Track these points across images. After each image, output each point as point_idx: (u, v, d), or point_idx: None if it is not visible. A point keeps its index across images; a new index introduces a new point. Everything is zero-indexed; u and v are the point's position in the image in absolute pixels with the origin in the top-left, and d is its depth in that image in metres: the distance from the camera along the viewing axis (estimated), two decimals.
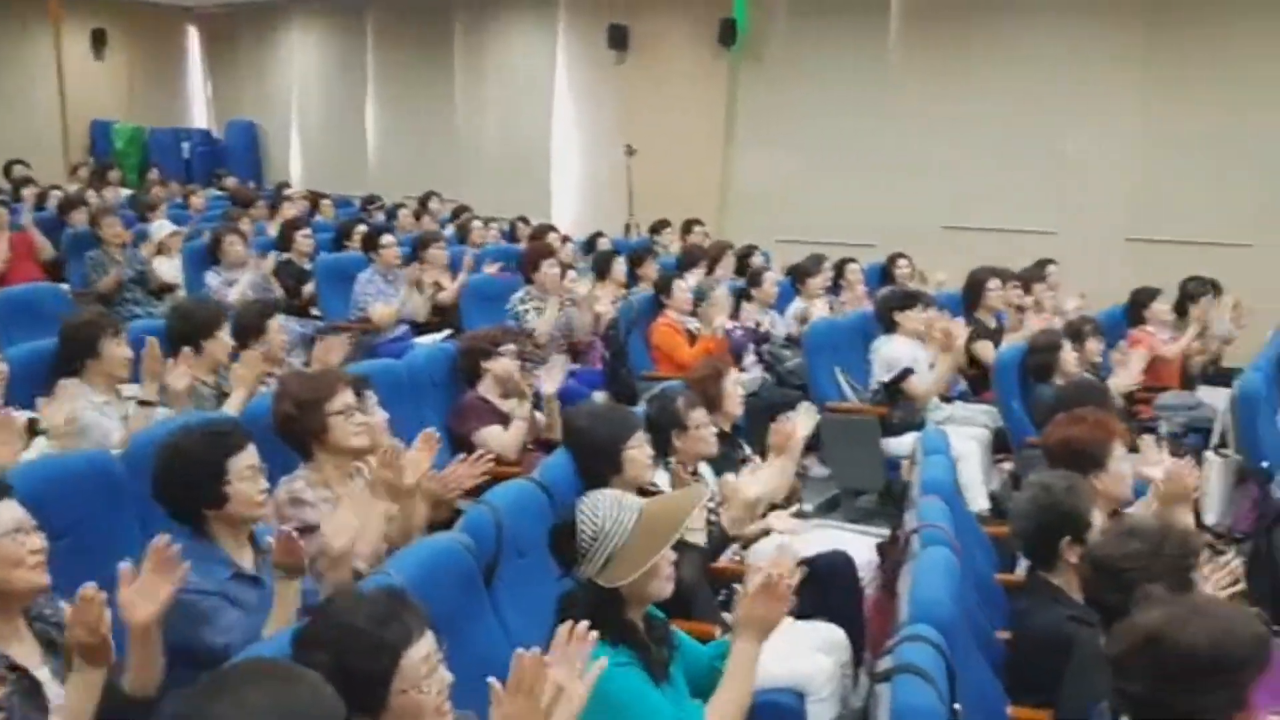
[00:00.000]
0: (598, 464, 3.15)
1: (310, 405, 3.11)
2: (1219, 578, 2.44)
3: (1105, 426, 3.13)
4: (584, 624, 1.89)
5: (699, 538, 3.05)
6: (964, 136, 9.87)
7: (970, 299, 6.56)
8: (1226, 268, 7.64)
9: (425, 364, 4.44)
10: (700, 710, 2.20)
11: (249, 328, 4.42)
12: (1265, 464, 3.81)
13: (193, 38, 15.82)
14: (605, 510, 2.20)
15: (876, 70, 10.29)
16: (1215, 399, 6.07)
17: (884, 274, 7.93)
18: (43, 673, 2.12)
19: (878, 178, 10.24)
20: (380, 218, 9.91)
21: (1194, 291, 6.74)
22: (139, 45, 15.80)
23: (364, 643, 1.76)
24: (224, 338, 4.18)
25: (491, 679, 1.71)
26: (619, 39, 11.25)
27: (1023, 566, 3.57)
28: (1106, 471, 3.04)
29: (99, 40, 15.09)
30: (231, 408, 3.83)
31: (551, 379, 4.56)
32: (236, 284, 6.43)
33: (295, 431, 3.14)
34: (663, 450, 3.48)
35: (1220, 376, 6.78)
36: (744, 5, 10.76)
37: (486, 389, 4.52)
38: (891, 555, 3.21)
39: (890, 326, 5.70)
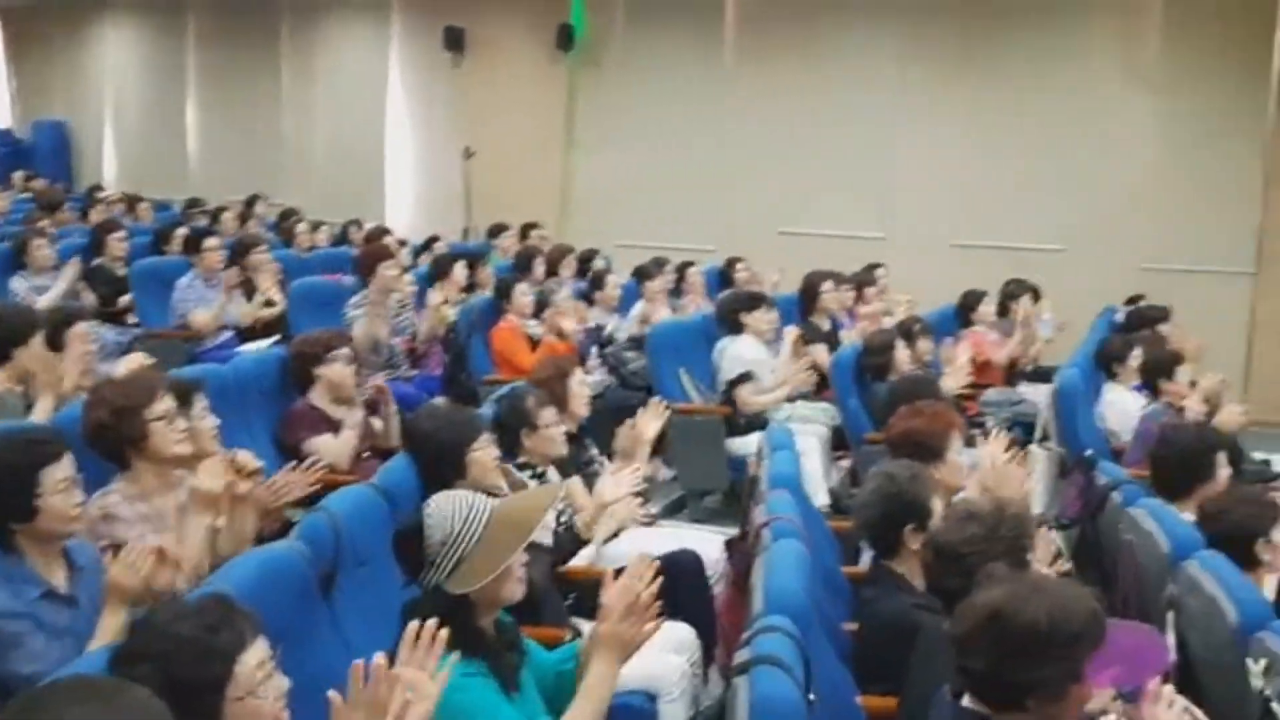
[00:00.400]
0: (441, 468, 3.05)
1: (128, 412, 2.92)
2: (1042, 555, 2.54)
3: (944, 418, 3.22)
4: (432, 622, 1.80)
5: (545, 538, 2.98)
6: (797, 143, 10.10)
7: (806, 301, 6.71)
8: (1043, 271, 8.08)
9: (254, 370, 4.22)
10: None
11: (52, 336, 4.13)
12: (1089, 452, 4.00)
13: None
14: (454, 512, 2.11)
15: (712, 77, 10.43)
16: (1036, 395, 6.40)
17: (723, 277, 8.04)
18: None
19: (715, 183, 10.38)
20: (203, 222, 9.45)
21: (1015, 292, 7.08)
22: None
23: (193, 650, 1.66)
24: (36, 346, 3.88)
25: (331, 692, 1.61)
26: (455, 41, 11.07)
27: (866, 559, 3.65)
28: (945, 462, 3.13)
29: None
30: (39, 417, 3.56)
31: (380, 392, 4.46)
32: (49, 291, 6.02)
33: (111, 440, 2.94)
34: (510, 450, 3.40)
35: (1039, 373, 7.15)
36: (581, 10, 10.75)
37: (318, 396, 4.33)
38: (739, 551, 3.21)
39: (735, 328, 5.76)
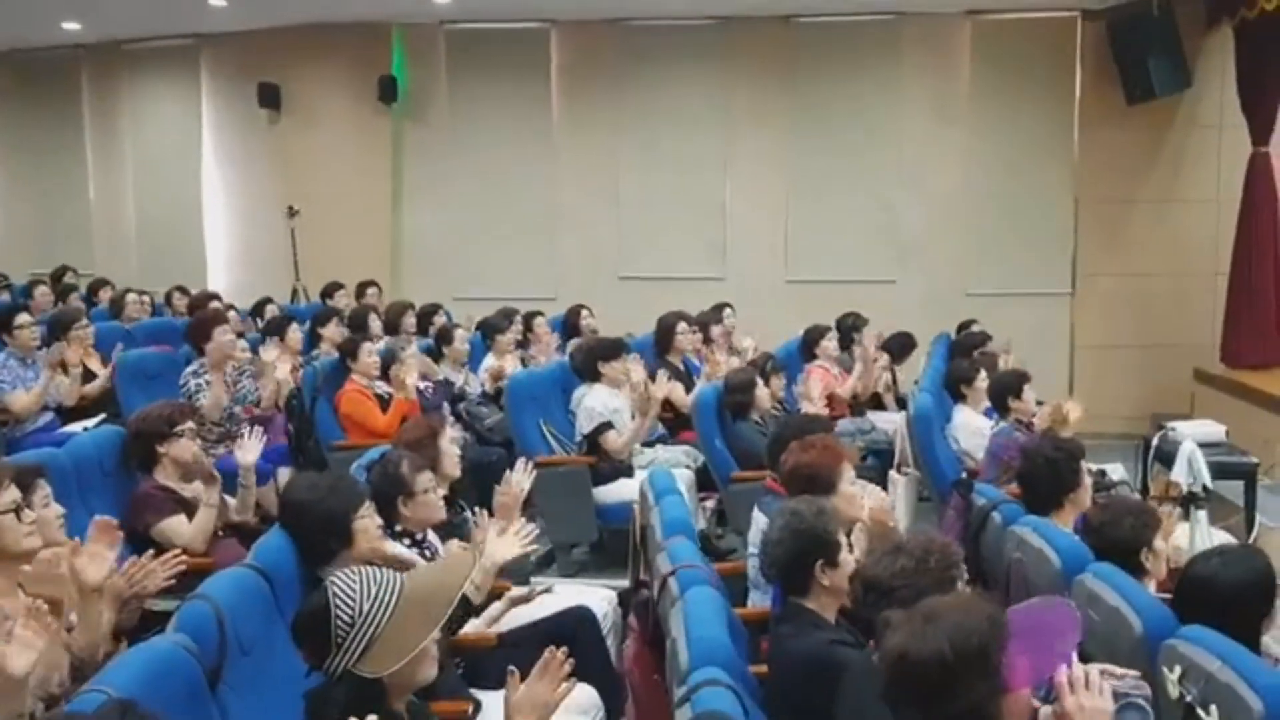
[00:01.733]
0: (324, 539, 2.86)
1: None
2: None
3: (834, 452, 3.24)
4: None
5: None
6: (631, 188, 10.20)
7: (661, 342, 6.73)
8: (876, 302, 8.37)
9: (93, 450, 3.90)
10: None
11: None
12: (963, 475, 4.10)
13: None
14: (362, 591, 1.95)
15: (540, 125, 10.42)
16: (885, 422, 6.59)
17: (567, 326, 7.98)
18: None
19: (550, 231, 10.37)
20: (4, 298, 8.79)
21: (855, 325, 7.30)
22: None
23: None
24: None
25: None
26: (270, 97, 10.70)
27: (754, 599, 3.63)
28: (839, 494, 3.14)
29: None
30: None
31: (250, 451, 4.18)
32: None
33: None
34: (388, 519, 3.23)
35: (877, 402, 7.38)
36: (403, 62, 10.60)
37: (164, 474, 4.05)
38: (639, 602, 3.13)
39: (593, 376, 5.70)
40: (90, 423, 5.74)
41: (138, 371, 6.09)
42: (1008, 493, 3.80)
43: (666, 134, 10.12)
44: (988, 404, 5.42)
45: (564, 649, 2.09)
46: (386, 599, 1.96)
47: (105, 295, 8.36)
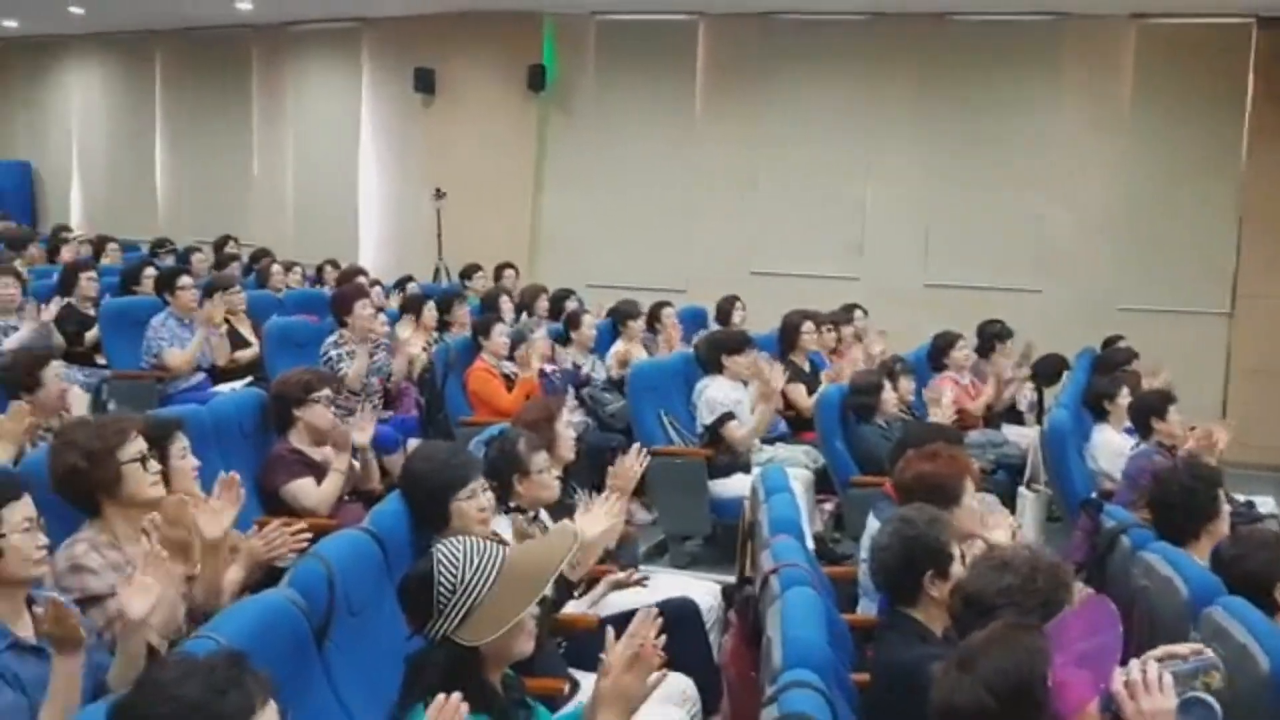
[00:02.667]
0: (435, 508, 2.93)
1: (101, 455, 2.78)
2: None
3: (959, 463, 3.15)
4: (455, 697, 1.67)
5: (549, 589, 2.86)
6: (768, 184, 10.14)
7: (785, 341, 6.66)
8: (1018, 312, 8.09)
9: (233, 411, 4.09)
10: None
11: (23, 378, 3.98)
12: (1094, 495, 3.94)
13: None
14: (466, 559, 1.99)
15: (682, 118, 10.46)
16: (1019, 436, 6.38)
17: (721, 316, 7.91)
18: None
19: (685, 224, 10.39)
20: (170, 262, 9.28)
21: (1000, 334, 7.02)
22: None
23: (201, 715, 1.51)
24: None
25: None
26: (426, 82, 11.02)
27: (863, 606, 3.56)
28: (960, 506, 3.05)
29: None
30: None
31: (364, 430, 4.32)
32: (15, 333, 5.85)
33: (82, 485, 2.79)
34: (502, 495, 3.29)
35: (1014, 415, 7.13)
36: (553, 51, 10.77)
37: (298, 438, 4.21)
38: (741, 598, 3.11)
39: (715, 368, 5.68)
40: (239, 384, 6.02)
41: (286, 339, 6.32)
42: (1141, 518, 3.63)
43: (809, 131, 10.01)
44: (1129, 423, 5.19)
45: (655, 639, 2.08)
46: (488, 569, 1.99)
47: (265, 265, 8.73)
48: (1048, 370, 7.41)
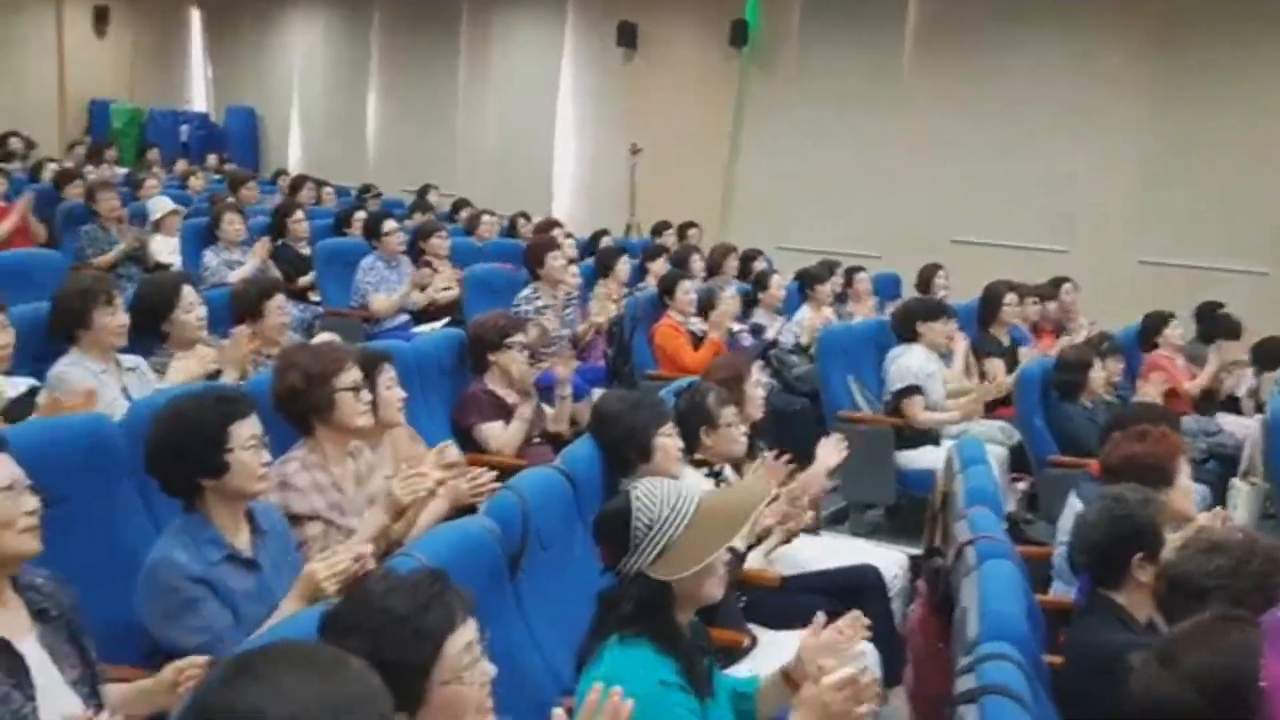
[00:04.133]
0: (626, 451, 2.98)
1: (318, 379, 2.92)
2: None
3: (1170, 441, 2.98)
4: (619, 692, 1.67)
5: (739, 541, 2.86)
6: (973, 151, 9.77)
7: (986, 312, 6.42)
8: (1239, 294, 7.54)
9: (434, 349, 4.26)
10: None
11: (248, 308, 4.23)
12: None
13: (194, 20, 15.57)
14: (663, 498, 2.01)
15: (888, 80, 10.18)
16: (1233, 426, 5.96)
17: (921, 283, 7.69)
18: (28, 644, 1.93)
19: (884, 188, 10.14)
20: (374, 208, 9.69)
21: (1221, 323, 6.56)
22: (141, 25, 15.58)
23: (405, 630, 1.58)
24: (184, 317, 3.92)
25: (558, 710, 1.50)
26: (628, 36, 11.09)
27: (1057, 589, 3.42)
28: (1174, 487, 2.88)
29: (101, 18, 14.87)
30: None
31: (567, 365, 4.43)
32: (241, 266, 6.25)
33: (298, 406, 2.94)
34: (689, 447, 3.30)
35: (1230, 404, 6.66)
36: (756, 7, 10.63)
37: (493, 380, 4.34)
38: (930, 569, 3.03)
39: (910, 336, 5.53)
40: (438, 325, 6.27)
41: (484, 285, 6.53)
42: None
43: (1019, 96, 9.59)
44: None
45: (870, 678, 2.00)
46: (684, 508, 2.01)
47: (473, 214, 9.01)
48: (1269, 355, 6.88)
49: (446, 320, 6.34)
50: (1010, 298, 6.40)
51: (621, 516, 2.01)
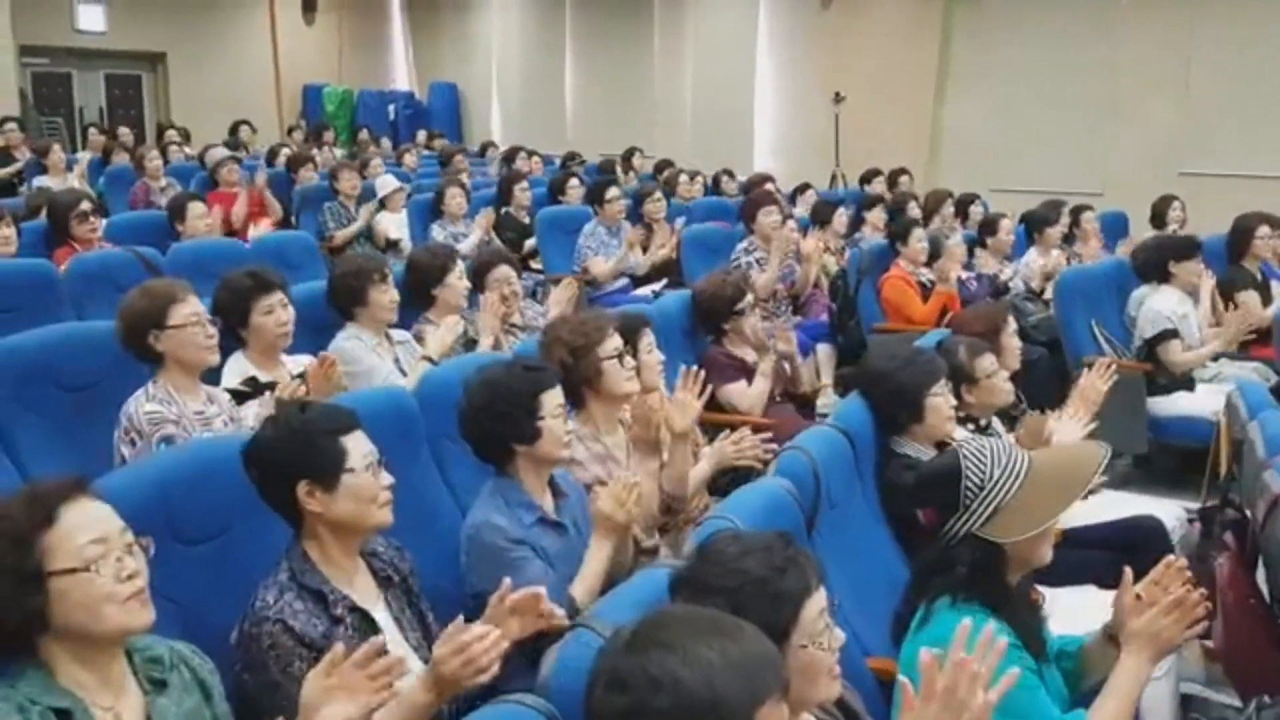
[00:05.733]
0: (897, 410, 2.94)
1: (583, 351, 2.98)
2: None
3: None
4: (992, 628, 1.66)
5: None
6: (1198, 73, 9.15)
7: (1236, 247, 6.03)
8: None
9: (675, 310, 4.32)
10: (1080, 717, 1.90)
11: (476, 279, 4.37)
12: None
13: (395, 1, 16.17)
14: (994, 458, 1.97)
15: (1101, 11, 9.61)
16: None
17: (1156, 219, 7.31)
18: (379, 611, 2.06)
19: (1102, 121, 9.65)
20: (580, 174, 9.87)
21: None
22: (345, 9, 16.28)
23: (764, 591, 1.59)
24: (455, 282, 4.09)
25: (903, 679, 1.50)
26: None
27: None
28: None
29: (309, 6, 15.61)
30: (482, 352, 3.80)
31: (786, 339, 4.46)
32: (466, 239, 6.49)
33: (570, 379, 2.98)
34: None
35: None
36: None
37: (730, 342, 4.38)
38: (1224, 520, 2.89)
39: (1160, 276, 5.25)
40: (657, 286, 6.35)
41: (699, 244, 6.57)
42: None
43: (1249, 11, 8.85)
44: None
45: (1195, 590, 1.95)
46: (1018, 469, 1.97)
47: (671, 174, 9.08)
48: None
49: (664, 282, 6.42)
50: (1263, 230, 5.98)
51: (951, 476, 1.97)
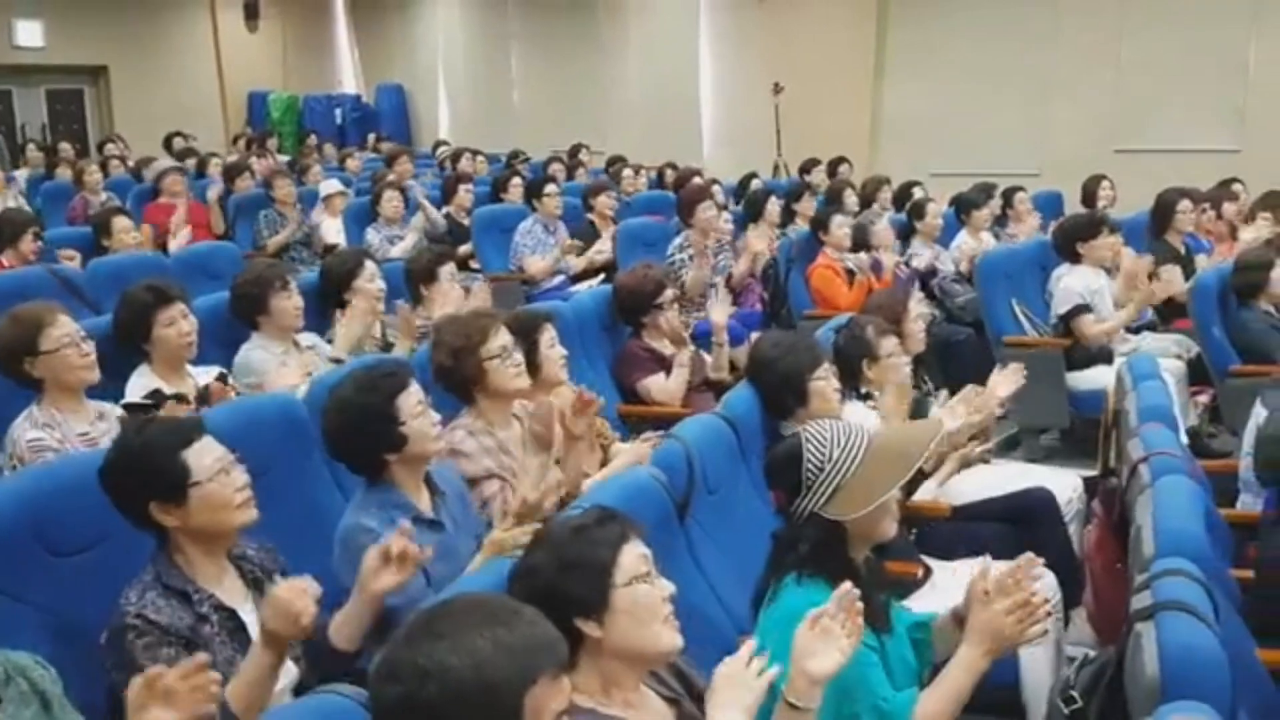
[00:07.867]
0: (783, 396, 3.00)
1: (464, 352, 2.97)
2: None
3: None
4: (852, 590, 1.74)
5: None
6: (1134, 52, 9.29)
7: (1158, 222, 6.14)
8: None
9: (593, 306, 4.37)
10: (912, 699, 1.96)
11: (421, 276, 4.39)
12: None
13: (339, 4, 16.11)
14: (833, 439, 2.04)
15: None
16: None
17: (1086, 198, 7.42)
18: (245, 611, 2.10)
19: (1038, 102, 9.78)
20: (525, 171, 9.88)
21: None
22: (289, 14, 16.20)
23: (584, 537, 1.69)
24: (365, 285, 4.10)
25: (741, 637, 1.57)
26: None
27: (1244, 502, 3.29)
28: None
29: (251, 12, 15.52)
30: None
31: (720, 311, 4.47)
32: (401, 242, 6.51)
33: (453, 380, 3.02)
34: (852, 382, 3.31)
35: None
36: None
37: (648, 335, 4.43)
38: (1105, 489, 2.97)
39: (1073, 256, 5.35)
40: (595, 282, 6.39)
41: (636, 239, 6.59)
42: None
43: None
44: None
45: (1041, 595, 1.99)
46: (856, 447, 2.03)
47: (616, 169, 9.11)
48: None
49: (602, 278, 6.45)
50: (1184, 204, 6.11)
51: (793, 459, 2.03)
